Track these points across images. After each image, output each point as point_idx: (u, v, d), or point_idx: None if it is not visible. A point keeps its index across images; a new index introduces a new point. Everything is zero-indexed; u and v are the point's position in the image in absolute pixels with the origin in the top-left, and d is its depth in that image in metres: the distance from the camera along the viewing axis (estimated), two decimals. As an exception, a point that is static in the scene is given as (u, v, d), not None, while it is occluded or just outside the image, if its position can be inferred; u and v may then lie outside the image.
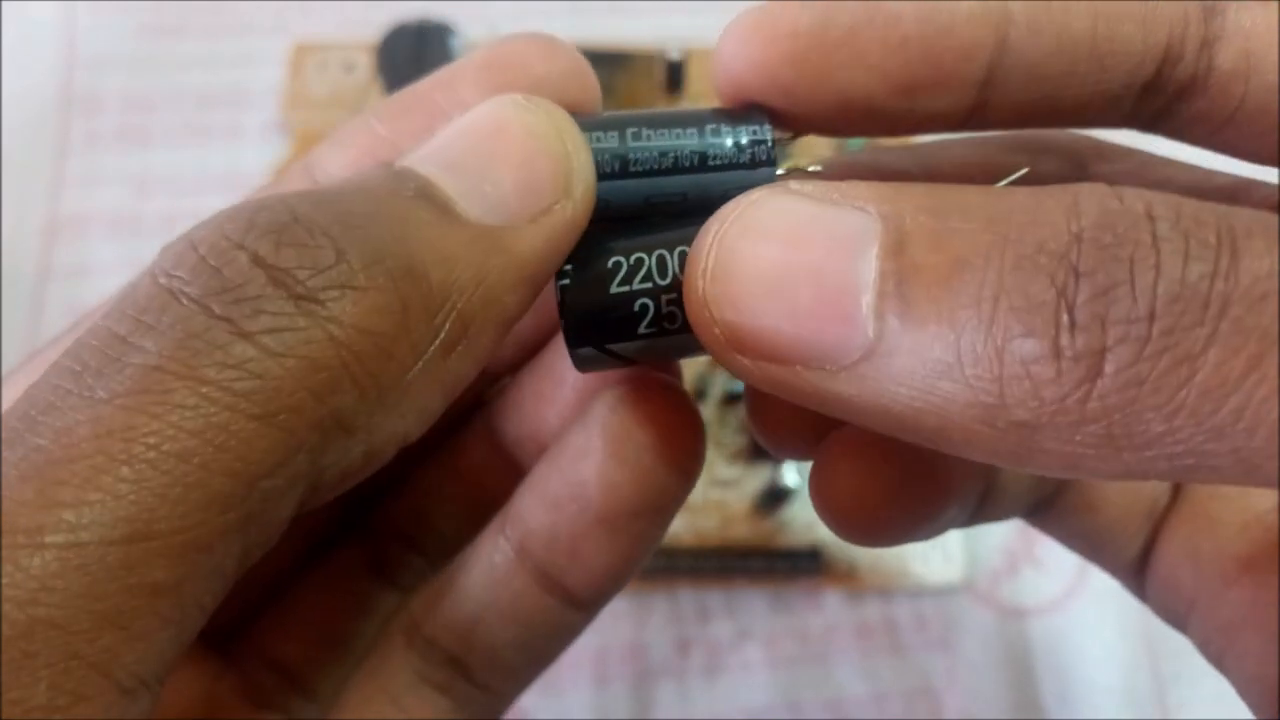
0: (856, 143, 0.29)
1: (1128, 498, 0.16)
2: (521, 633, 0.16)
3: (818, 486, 0.14)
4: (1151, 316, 0.10)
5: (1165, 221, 0.10)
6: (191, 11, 0.36)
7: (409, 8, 0.34)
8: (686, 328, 0.13)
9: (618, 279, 0.13)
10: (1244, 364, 0.10)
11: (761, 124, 0.14)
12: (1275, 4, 0.14)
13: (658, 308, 0.13)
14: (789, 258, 0.11)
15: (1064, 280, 0.10)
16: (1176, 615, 0.16)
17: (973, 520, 0.17)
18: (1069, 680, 0.28)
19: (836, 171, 0.14)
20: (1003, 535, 0.30)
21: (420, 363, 0.12)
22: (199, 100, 0.35)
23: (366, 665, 0.17)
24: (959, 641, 0.29)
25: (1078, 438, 0.11)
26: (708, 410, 0.30)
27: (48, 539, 0.09)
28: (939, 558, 0.29)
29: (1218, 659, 0.16)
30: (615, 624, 0.29)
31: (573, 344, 0.14)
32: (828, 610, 0.29)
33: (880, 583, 0.29)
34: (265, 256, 0.11)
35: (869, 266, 0.11)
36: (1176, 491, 0.16)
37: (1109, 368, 0.10)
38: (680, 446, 0.14)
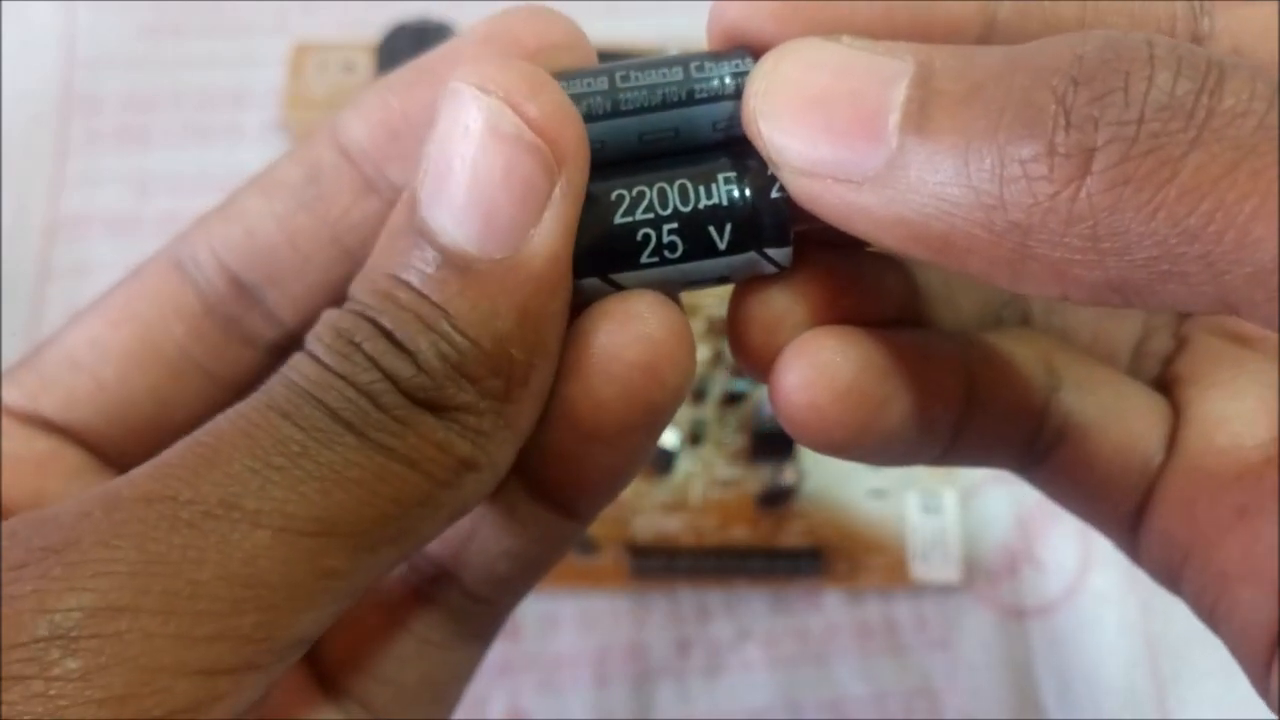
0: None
1: (1122, 451, 0.17)
2: (517, 545, 0.16)
3: (775, 388, 0.15)
4: (1140, 120, 0.11)
5: (1163, 46, 0.12)
6: (191, 11, 0.36)
7: (409, 8, 0.34)
8: (686, 257, 0.14)
9: (620, 210, 0.14)
10: (1220, 169, 0.11)
11: (744, 58, 0.14)
12: (1262, 3, 0.14)
13: (659, 237, 0.14)
14: (832, 83, 0.13)
15: (1064, 89, 0.12)
16: (1170, 570, 0.17)
17: (948, 457, 0.17)
18: (1069, 680, 0.28)
19: None
20: (1003, 535, 0.30)
21: (508, 405, 0.14)
22: (199, 100, 0.35)
23: None
24: (959, 641, 0.29)
25: (1066, 239, 0.11)
26: (708, 410, 0.30)
27: (264, 521, 0.13)
28: (939, 558, 0.29)
29: (1210, 610, 0.16)
30: (615, 624, 0.29)
31: (577, 274, 0.14)
32: (828, 610, 0.29)
33: (880, 583, 0.29)
34: (382, 366, 0.13)
35: (899, 92, 0.13)
36: (1171, 444, 0.16)
37: (1097, 165, 0.11)
38: (669, 362, 0.14)
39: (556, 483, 0.16)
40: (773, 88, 0.14)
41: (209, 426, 0.13)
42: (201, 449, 0.13)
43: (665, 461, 0.29)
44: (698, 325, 0.31)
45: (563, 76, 0.15)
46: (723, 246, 0.14)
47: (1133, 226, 0.11)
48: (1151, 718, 0.28)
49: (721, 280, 0.15)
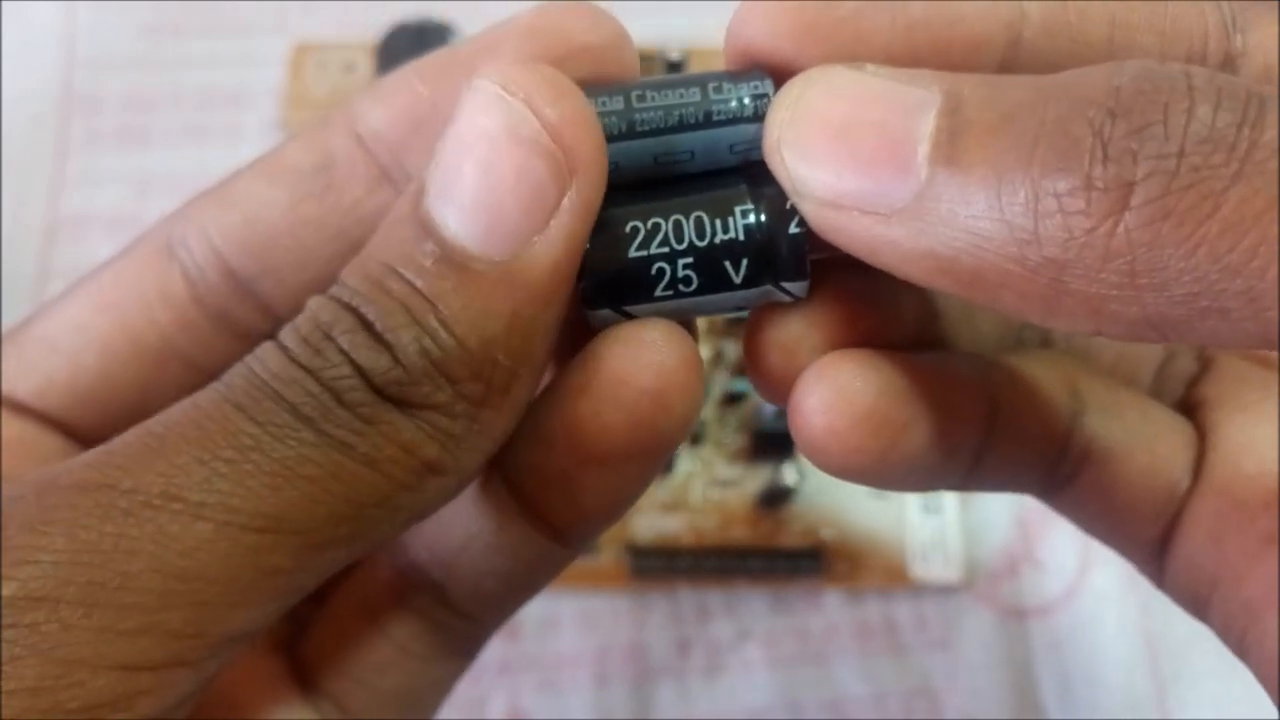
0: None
1: (1148, 477, 0.16)
2: (505, 564, 0.16)
3: (794, 412, 0.14)
4: (1181, 153, 0.11)
5: (1201, 77, 0.11)
6: (191, 11, 0.36)
7: (409, 8, 0.34)
8: (701, 290, 0.14)
9: (635, 243, 0.14)
10: (1263, 202, 0.10)
11: (762, 79, 0.14)
12: None
13: (674, 271, 0.14)
14: (857, 113, 0.13)
15: (1101, 121, 0.11)
16: (1197, 598, 0.16)
17: (970, 482, 0.16)
18: (1069, 680, 0.28)
19: None
20: (1003, 535, 0.30)
21: (484, 410, 0.14)
22: (199, 100, 0.35)
23: (350, 578, 0.17)
24: (959, 641, 0.29)
25: (1103, 275, 0.11)
26: (708, 410, 0.30)
27: (207, 514, 0.12)
28: (939, 558, 0.29)
29: (1239, 640, 0.15)
30: (615, 624, 0.29)
31: (590, 305, 0.14)
32: (828, 610, 0.29)
33: (880, 583, 0.29)
34: (355, 360, 0.13)
35: (927, 123, 0.12)
36: (1197, 470, 0.16)
37: (1136, 200, 0.11)
38: (678, 391, 0.14)
39: (552, 505, 0.15)
40: (797, 117, 0.13)
41: (161, 416, 0.13)
42: (149, 438, 0.13)
43: (665, 461, 0.29)
44: (697, 326, 0.31)
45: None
46: (738, 281, 0.14)
47: (1172, 262, 0.11)
48: (1151, 718, 0.28)
49: (736, 310, 0.15)
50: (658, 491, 0.30)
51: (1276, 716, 0.15)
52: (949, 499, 0.30)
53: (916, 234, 0.12)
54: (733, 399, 0.30)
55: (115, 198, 0.33)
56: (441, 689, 0.18)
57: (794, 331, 0.15)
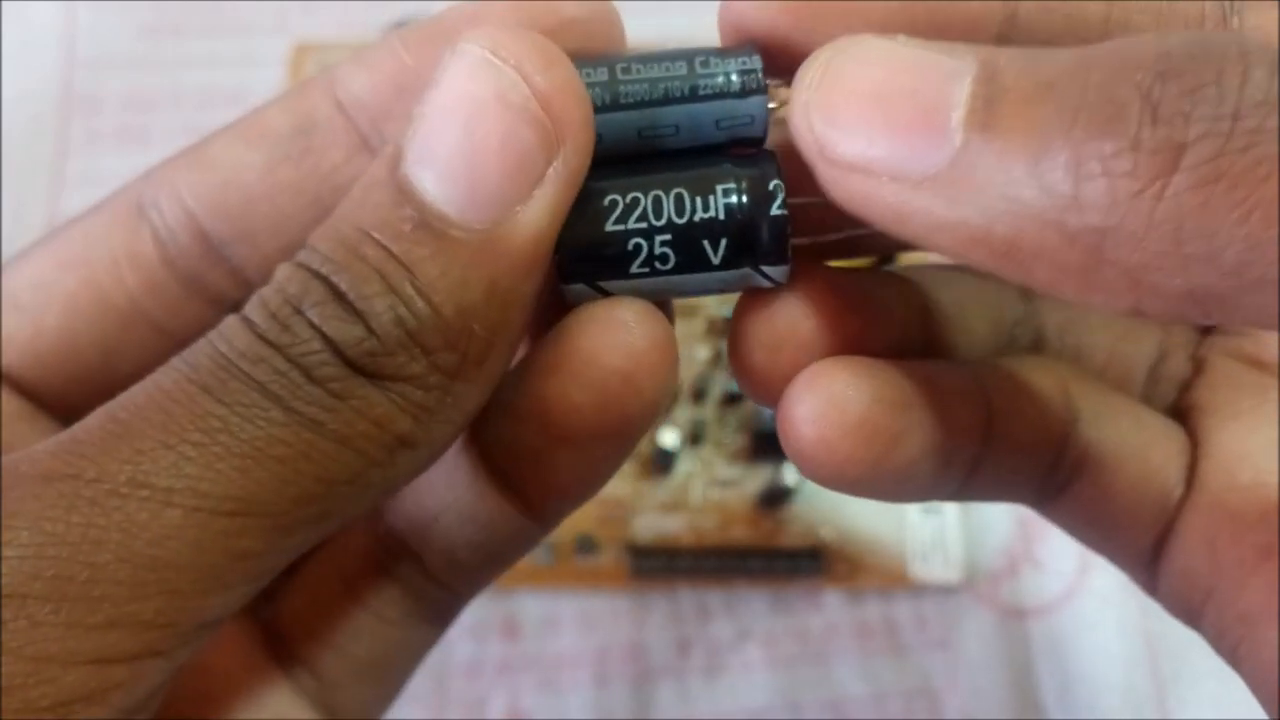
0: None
1: (1141, 485, 0.16)
2: (480, 536, 0.16)
3: (783, 421, 0.14)
4: (1236, 115, 0.10)
5: (1254, 43, 0.11)
6: (191, 11, 0.36)
7: (409, 8, 0.34)
8: (678, 269, 0.14)
9: (613, 217, 0.14)
10: None
11: (750, 55, 0.14)
12: None
13: (651, 248, 0.14)
14: (890, 80, 0.12)
15: (1150, 84, 0.11)
16: (1191, 608, 0.16)
17: (964, 492, 0.16)
18: (1069, 680, 0.28)
19: None
20: (1003, 536, 0.30)
21: (458, 382, 0.13)
22: (199, 100, 0.35)
23: (325, 545, 0.17)
24: (959, 641, 0.29)
25: (1146, 242, 0.11)
26: (708, 410, 0.30)
27: (175, 500, 0.12)
28: (939, 558, 0.29)
29: (1232, 651, 0.15)
30: (615, 624, 0.29)
31: (565, 279, 0.14)
32: (828, 610, 0.29)
33: (880, 583, 0.29)
34: (325, 333, 0.13)
35: (962, 89, 0.12)
36: (1191, 479, 0.16)
37: (1187, 162, 0.10)
38: (648, 374, 0.14)
39: (524, 481, 0.15)
40: (827, 81, 0.13)
41: (123, 398, 0.13)
42: (113, 424, 0.12)
43: (665, 461, 0.29)
44: (698, 325, 0.31)
45: None
46: (716, 262, 0.14)
47: (1223, 228, 0.10)
48: (1151, 718, 0.28)
49: (715, 292, 0.14)
50: (658, 491, 0.30)
51: None
52: (949, 499, 0.30)
53: (949, 202, 0.12)
54: (733, 399, 0.30)
55: (115, 198, 0.33)
56: (415, 657, 0.18)
57: (778, 329, 0.15)
